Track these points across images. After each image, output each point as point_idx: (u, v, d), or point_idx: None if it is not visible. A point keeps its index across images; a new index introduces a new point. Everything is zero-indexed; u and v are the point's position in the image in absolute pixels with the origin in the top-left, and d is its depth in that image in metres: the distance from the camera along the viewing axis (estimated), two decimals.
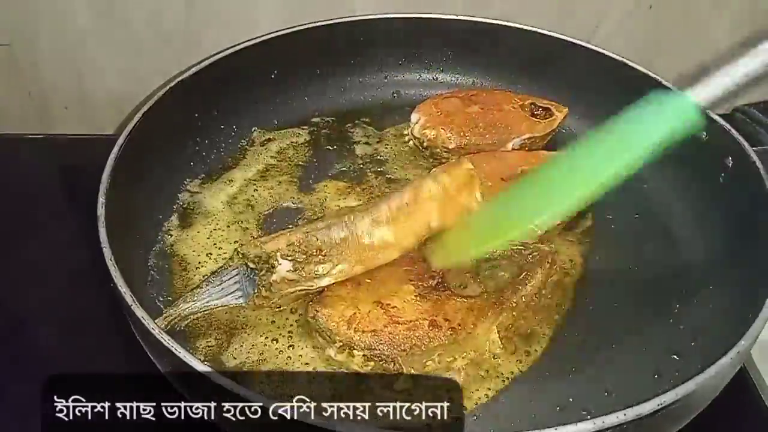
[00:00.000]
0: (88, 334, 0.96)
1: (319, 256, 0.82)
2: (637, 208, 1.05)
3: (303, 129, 1.16)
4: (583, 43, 1.16)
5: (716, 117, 1.00)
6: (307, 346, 0.83)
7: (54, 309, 0.99)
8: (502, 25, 1.20)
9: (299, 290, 0.83)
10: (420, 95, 1.24)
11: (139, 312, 0.70)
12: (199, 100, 1.07)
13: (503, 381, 0.82)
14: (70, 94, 1.32)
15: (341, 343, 0.79)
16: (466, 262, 0.88)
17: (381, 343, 0.78)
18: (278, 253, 0.81)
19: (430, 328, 0.79)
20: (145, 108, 0.96)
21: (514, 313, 0.84)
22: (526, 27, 1.19)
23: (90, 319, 0.97)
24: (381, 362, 0.79)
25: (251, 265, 0.84)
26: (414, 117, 1.12)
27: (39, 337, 0.97)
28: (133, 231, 0.91)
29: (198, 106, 1.07)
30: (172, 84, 1.01)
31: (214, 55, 1.08)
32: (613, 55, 1.13)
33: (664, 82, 1.07)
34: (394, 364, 0.79)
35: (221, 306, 0.85)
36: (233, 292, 0.86)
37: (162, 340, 0.67)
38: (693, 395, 0.67)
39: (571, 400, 0.81)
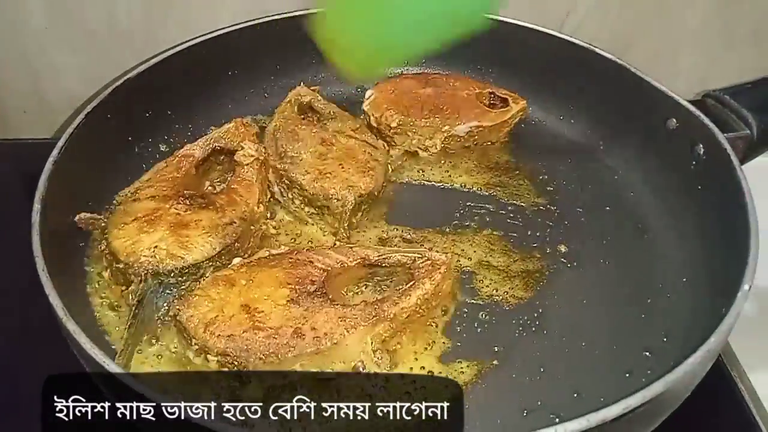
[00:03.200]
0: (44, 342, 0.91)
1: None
2: (607, 200, 1.01)
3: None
4: (554, 32, 1.13)
5: (686, 103, 0.97)
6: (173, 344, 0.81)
7: (10, 315, 0.95)
8: None
9: None
10: None
11: (71, 326, 0.66)
12: (152, 98, 1.03)
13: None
14: (27, 97, 1.27)
15: (197, 347, 0.77)
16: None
17: (235, 349, 0.74)
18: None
19: (293, 336, 0.75)
20: (88, 108, 0.92)
21: (392, 325, 0.79)
22: (496, 17, 1.15)
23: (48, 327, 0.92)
24: (232, 369, 0.75)
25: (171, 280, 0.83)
26: (367, 93, 1.11)
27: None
28: (74, 237, 0.87)
29: (150, 104, 1.03)
30: (118, 83, 0.97)
31: (167, 50, 1.04)
32: (583, 44, 1.10)
33: (634, 70, 1.03)
34: (244, 372, 0.75)
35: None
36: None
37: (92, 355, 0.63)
38: (662, 396, 0.64)
39: (539, 403, 0.78)
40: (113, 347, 0.79)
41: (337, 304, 0.79)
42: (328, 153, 0.98)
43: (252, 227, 0.91)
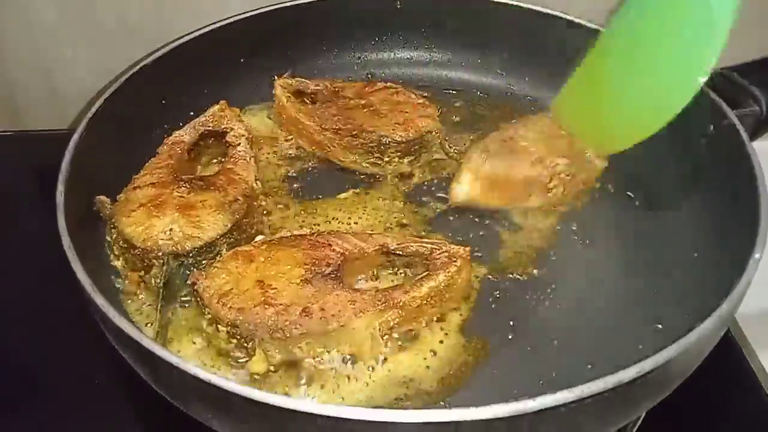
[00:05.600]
0: (59, 333, 0.95)
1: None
2: (616, 177, 1.01)
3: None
4: (559, 14, 1.14)
5: None
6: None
7: (24, 306, 0.98)
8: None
9: None
10: (394, 75, 1.21)
11: (99, 300, 0.68)
12: (166, 85, 1.04)
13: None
14: (39, 90, 1.29)
15: (210, 316, 0.79)
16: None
17: (244, 322, 0.76)
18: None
19: (301, 314, 0.77)
20: (107, 94, 0.94)
21: (402, 312, 0.80)
22: (501, 0, 1.16)
23: (60, 317, 0.96)
24: (242, 341, 0.78)
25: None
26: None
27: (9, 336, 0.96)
28: (95, 220, 0.89)
29: (165, 91, 1.04)
30: (135, 69, 0.98)
31: (180, 38, 1.05)
32: (589, 24, 1.10)
33: None
34: (252, 345, 0.77)
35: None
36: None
37: (122, 327, 0.65)
38: (674, 361, 0.65)
39: (553, 374, 0.79)
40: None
41: (349, 289, 0.81)
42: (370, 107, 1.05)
43: (255, 203, 0.93)
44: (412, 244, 0.86)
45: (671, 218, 0.96)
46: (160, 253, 0.83)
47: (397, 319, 0.80)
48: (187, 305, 0.83)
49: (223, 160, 0.99)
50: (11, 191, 1.19)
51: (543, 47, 1.16)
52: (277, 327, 0.76)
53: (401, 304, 0.80)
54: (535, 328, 0.84)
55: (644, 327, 0.84)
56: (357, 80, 1.19)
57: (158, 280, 0.83)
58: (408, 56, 1.24)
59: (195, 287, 0.81)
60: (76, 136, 0.87)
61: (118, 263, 0.87)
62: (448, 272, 0.83)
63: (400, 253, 0.86)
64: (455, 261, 0.84)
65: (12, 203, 1.16)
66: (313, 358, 0.78)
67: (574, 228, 0.95)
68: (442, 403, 0.76)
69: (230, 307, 0.77)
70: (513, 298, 0.87)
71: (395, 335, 0.81)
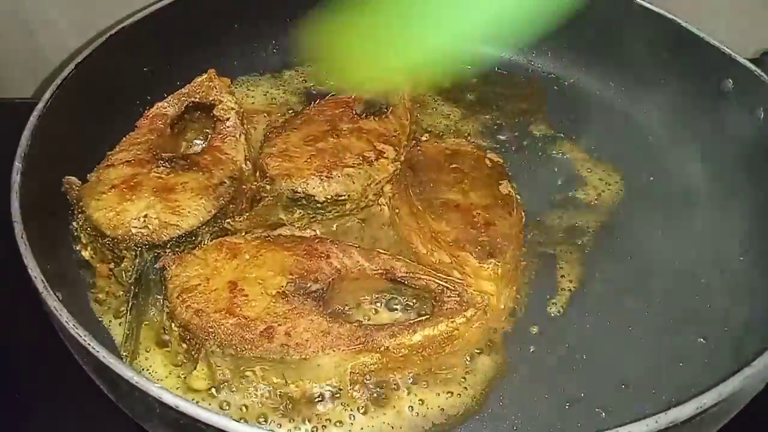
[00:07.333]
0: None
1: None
2: (654, 171, 0.91)
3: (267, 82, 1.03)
4: None
5: (745, 61, 0.87)
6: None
7: None
8: None
9: None
10: None
11: (52, 301, 0.57)
12: (149, 50, 0.93)
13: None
14: (20, 54, 1.18)
15: (168, 309, 0.69)
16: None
17: (197, 327, 0.66)
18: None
19: (261, 334, 0.66)
20: (78, 59, 0.82)
21: (383, 360, 0.67)
22: None
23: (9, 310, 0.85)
24: (190, 347, 0.67)
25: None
26: None
27: None
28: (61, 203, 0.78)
29: (147, 57, 0.93)
30: (111, 32, 0.87)
31: None
32: None
33: (684, 24, 0.93)
34: (198, 355, 0.67)
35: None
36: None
37: (76, 335, 0.54)
38: (738, 393, 0.54)
39: (582, 394, 0.69)
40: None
41: (328, 316, 0.69)
42: None
43: (243, 186, 0.82)
44: (422, 275, 0.73)
45: (713, 218, 0.86)
46: (133, 244, 0.73)
47: (374, 366, 0.68)
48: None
49: (210, 135, 0.87)
50: None
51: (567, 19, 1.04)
52: (231, 342, 0.65)
53: (383, 348, 0.67)
54: (561, 340, 0.74)
55: (685, 342, 0.74)
56: None
57: (129, 275, 0.72)
58: None
59: (163, 271, 0.71)
60: (40, 105, 0.76)
61: (85, 253, 0.76)
62: (453, 322, 0.69)
63: (407, 283, 0.73)
64: (466, 310, 0.70)
65: None
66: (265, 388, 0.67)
67: (610, 230, 0.85)
68: None
69: (188, 305, 0.67)
70: (535, 304, 0.77)
71: (369, 384, 0.68)
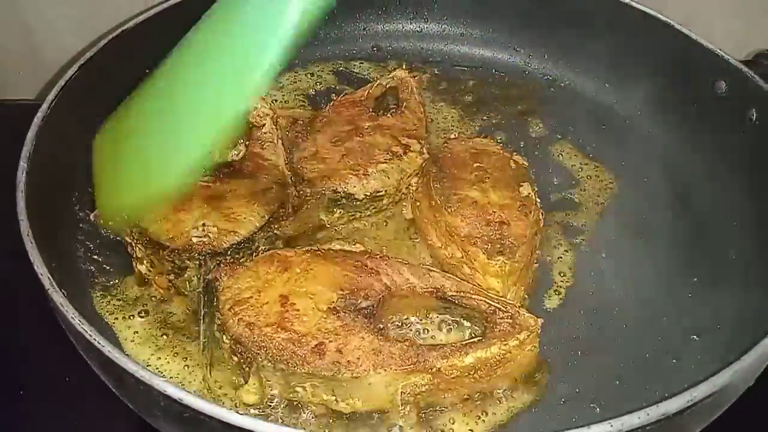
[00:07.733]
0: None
1: None
2: (648, 171, 0.93)
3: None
4: None
5: (737, 63, 0.88)
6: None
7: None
8: None
9: None
10: (402, 49, 1.12)
11: (57, 297, 0.58)
12: (152, 51, 0.93)
13: None
14: (20, 55, 1.19)
15: (219, 322, 0.68)
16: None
17: (250, 341, 0.65)
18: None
19: (313, 351, 0.65)
20: (81, 61, 0.83)
21: (435, 380, 0.66)
22: None
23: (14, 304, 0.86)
24: (241, 361, 0.67)
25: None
26: None
27: None
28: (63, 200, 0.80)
29: (149, 58, 0.93)
30: (114, 34, 0.88)
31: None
32: None
33: (678, 26, 0.94)
34: (250, 369, 0.66)
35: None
36: None
37: (84, 332, 0.56)
38: (727, 387, 0.56)
39: (577, 390, 0.71)
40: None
41: (379, 334, 0.67)
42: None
43: (288, 191, 0.82)
44: (473, 295, 0.71)
45: (706, 215, 0.88)
46: (195, 253, 0.73)
47: (426, 387, 0.67)
48: None
49: (247, 142, 0.86)
50: None
51: (564, 20, 1.06)
52: (282, 357, 0.64)
53: (434, 369, 0.66)
54: (556, 336, 0.75)
55: (679, 338, 0.75)
56: (361, 53, 1.10)
57: (194, 284, 0.73)
58: (417, 28, 1.14)
59: (214, 282, 0.70)
60: (44, 106, 0.77)
61: (141, 267, 0.76)
62: (506, 344, 0.68)
63: (458, 302, 0.71)
64: (519, 332, 0.68)
65: None
66: (316, 404, 0.67)
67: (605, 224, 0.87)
68: None
69: (240, 318, 0.67)
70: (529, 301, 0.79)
71: (422, 404, 0.68)
